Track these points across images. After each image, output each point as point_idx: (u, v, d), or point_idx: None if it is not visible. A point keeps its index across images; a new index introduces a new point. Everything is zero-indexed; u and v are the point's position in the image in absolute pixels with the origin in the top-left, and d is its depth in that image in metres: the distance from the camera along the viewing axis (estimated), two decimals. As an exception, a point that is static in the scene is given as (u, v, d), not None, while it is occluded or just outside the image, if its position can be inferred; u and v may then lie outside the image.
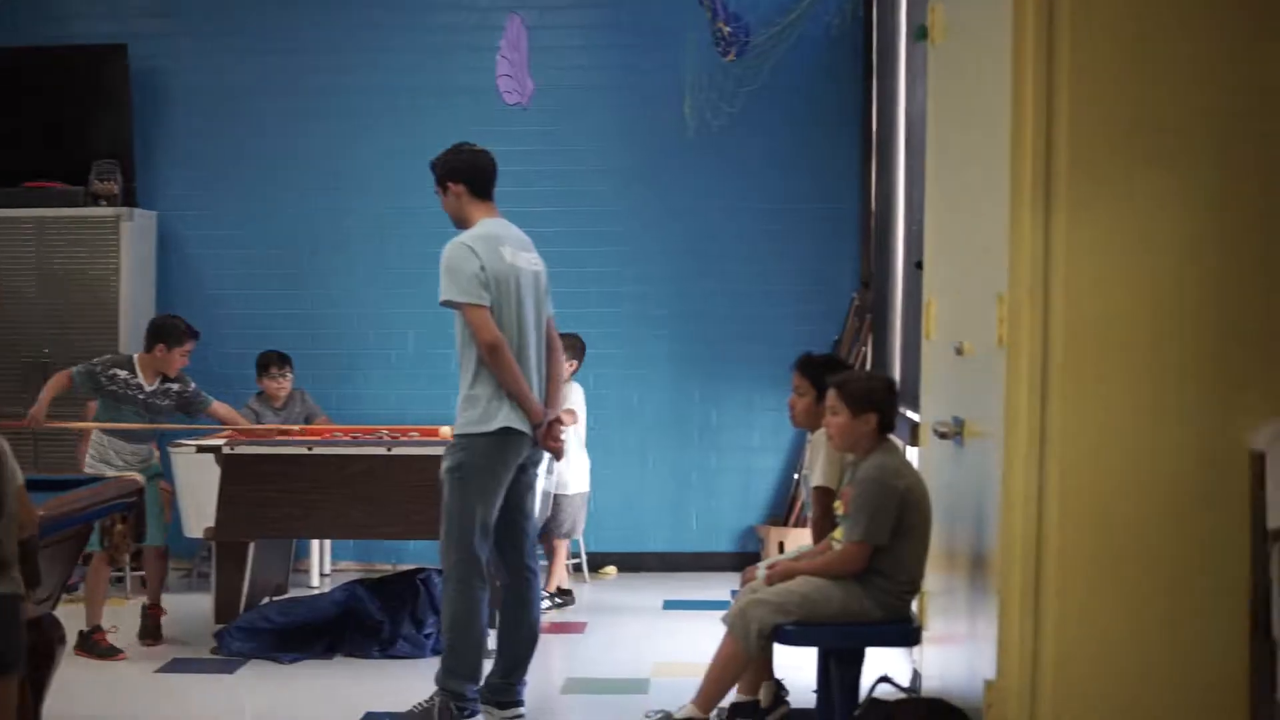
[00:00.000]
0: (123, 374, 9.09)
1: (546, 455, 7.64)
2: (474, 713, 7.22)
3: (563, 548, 10.09)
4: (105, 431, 9.08)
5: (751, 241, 11.43)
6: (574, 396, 9.98)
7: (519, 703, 7.43)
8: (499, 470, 7.22)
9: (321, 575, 10.89)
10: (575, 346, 10.03)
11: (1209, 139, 4.90)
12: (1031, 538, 5.06)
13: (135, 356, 9.25)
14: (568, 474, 9.94)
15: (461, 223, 7.43)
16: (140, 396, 9.12)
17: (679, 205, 11.49)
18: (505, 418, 7.15)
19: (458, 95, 11.41)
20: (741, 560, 10.86)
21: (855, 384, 6.33)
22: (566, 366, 9.79)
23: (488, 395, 7.14)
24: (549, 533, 9.96)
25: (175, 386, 9.27)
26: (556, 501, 9.96)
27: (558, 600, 10.01)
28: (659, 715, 6.66)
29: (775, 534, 10.78)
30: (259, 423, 10.14)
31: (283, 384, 10.54)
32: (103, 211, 11.23)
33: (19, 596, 4.99)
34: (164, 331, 9.20)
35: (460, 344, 7.26)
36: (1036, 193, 5.02)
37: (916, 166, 8.72)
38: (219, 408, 9.51)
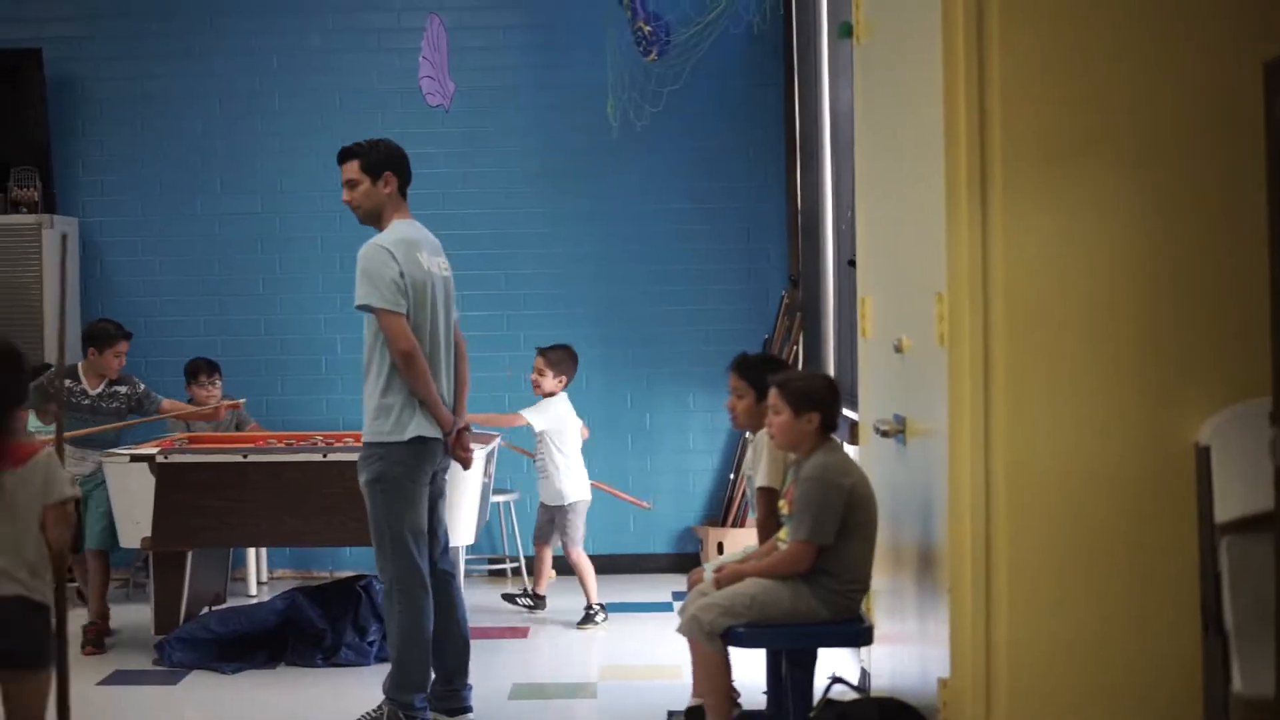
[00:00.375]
0: (68, 383, 9.18)
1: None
2: (423, 720, 7.23)
3: (581, 560, 9.79)
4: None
5: (679, 241, 11.46)
6: (560, 408, 9.83)
7: (467, 708, 7.45)
8: (418, 477, 7.22)
9: (259, 583, 10.89)
10: (566, 360, 9.89)
11: (1146, 133, 4.94)
12: (981, 536, 5.08)
13: (79, 364, 9.44)
14: (564, 484, 9.76)
15: (374, 217, 7.35)
16: (85, 402, 9.34)
17: (604, 206, 11.50)
18: (419, 426, 7.14)
19: (379, 97, 11.40)
20: (680, 561, 11.01)
21: (796, 383, 6.31)
22: (554, 382, 9.78)
23: (400, 404, 7.11)
24: (544, 543, 9.88)
25: (123, 389, 9.54)
26: (553, 512, 9.81)
27: (604, 615, 9.78)
28: None
29: (714, 534, 10.79)
30: (189, 430, 10.14)
31: (212, 392, 10.49)
32: (23, 219, 11.13)
33: (47, 606, 5.45)
34: (93, 335, 9.49)
35: (368, 349, 7.22)
36: (972, 191, 5.05)
37: (844, 164, 8.77)
38: (169, 405, 9.74)
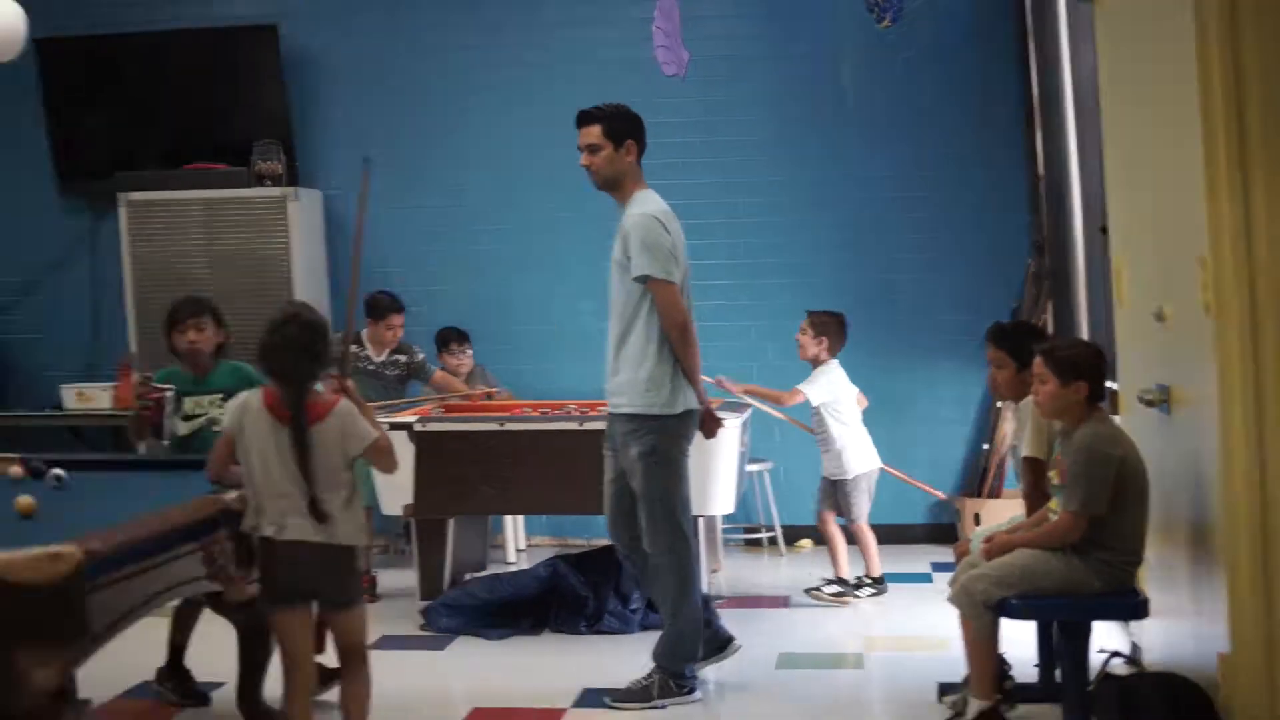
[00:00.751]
0: (354, 348, 9.52)
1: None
2: (692, 689, 7.29)
3: (863, 532, 9.48)
4: None
5: (918, 209, 11.34)
6: (834, 376, 9.51)
7: (730, 636, 7.64)
8: (686, 448, 7.31)
9: (517, 550, 11.04)
10: (831, 325, 9.57)
11: None
12: (1257, 508, 5.08)
13: (364, 332, 10.02)
14: (848, 456, 9.41)
15: (613, 184, 7.37)
16: (370, 368, 9.94)
17: (841, 175, 11.43)
18: (687, 399, 7.22)
19: (612, 68, 11.38)
20: (936, 532, 11.02)
21: (1063, 352, 6.28)
22: (816, 344, 9.48)
23: (669, 375, 7.17)
24: (825, 515, 9.53)
25: (402, 358, 10.14)
26: (835, 486, 9.48)
27: (872, 589, 9.48)
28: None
29: (971, 505, 10.60)
30: (441, 400, 10.34)
31: (464, 360, 10.70)
32: (269, 192, 11.40)
33: (349, 548, 5.97)
34: (369, 307, 10.05)
35: (627, 319, 7.25)
36: (1231, 158, 5.05)
37: (1089, 129, 8.73)
38: (440, 377, 10.28)
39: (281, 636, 6.04)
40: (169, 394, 7.46)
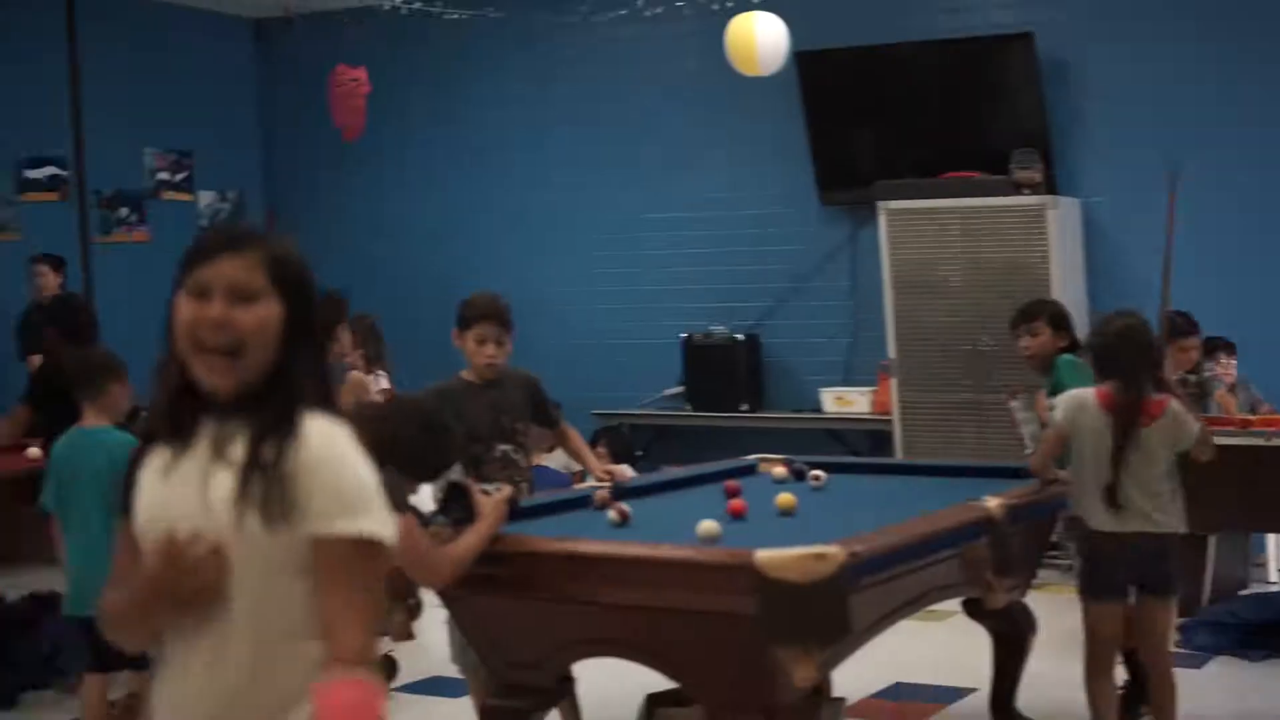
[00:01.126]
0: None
1: None
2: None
3: None
4: None
5: None
6: None
7: None
8: None
9: (1278, 571, 10.60)
10: None
11: None
12: None
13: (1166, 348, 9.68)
14: None
15: None
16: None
17: None
18: None
19: None
20: None
21: None
22: None
23: None
24: None
25: (1192, 377, 9.73)
26: None
27: None
28: None
29: None
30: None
31: (1229, 370, 10.36)
32: (1026, 200, 11.26)
33: (1170, 535, 6.46)
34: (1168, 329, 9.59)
35: None
36: None
37: None
38: (1219, 395, 9.95)
39: (1094, 626, 6.42)
40: (1013, 404, 7.77)
